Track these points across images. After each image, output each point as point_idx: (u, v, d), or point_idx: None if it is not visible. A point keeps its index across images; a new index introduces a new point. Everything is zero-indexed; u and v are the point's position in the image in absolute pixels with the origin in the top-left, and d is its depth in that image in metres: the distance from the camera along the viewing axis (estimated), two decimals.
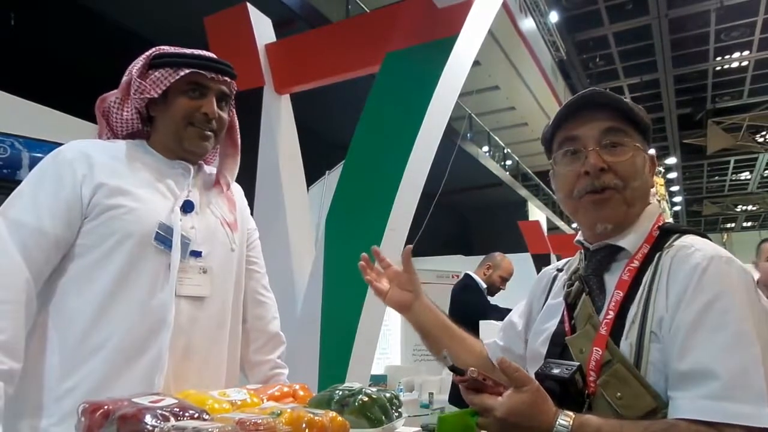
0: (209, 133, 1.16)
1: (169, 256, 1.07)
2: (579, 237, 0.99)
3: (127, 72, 1.16)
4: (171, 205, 1.11)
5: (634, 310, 0.83)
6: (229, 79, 1.19)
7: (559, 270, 1.07)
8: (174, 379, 1.05)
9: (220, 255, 1.17)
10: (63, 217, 1.03)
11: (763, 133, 16.15)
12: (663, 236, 0.89)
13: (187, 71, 1.12)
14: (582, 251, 0.99)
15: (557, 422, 0.76)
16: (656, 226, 0.91)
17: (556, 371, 0.86)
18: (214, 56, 1.18)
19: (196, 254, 1.12)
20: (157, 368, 1.02)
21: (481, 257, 3.83)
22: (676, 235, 0.88)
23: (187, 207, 1.13)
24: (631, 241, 0.90)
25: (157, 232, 1.06)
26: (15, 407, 0.96)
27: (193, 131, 1.15)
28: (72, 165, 1.06)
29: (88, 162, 1.07)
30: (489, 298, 3.61)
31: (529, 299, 1.13)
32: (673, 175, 19.72)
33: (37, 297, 1.01)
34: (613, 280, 0.89)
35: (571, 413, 0.77)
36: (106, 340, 1.01)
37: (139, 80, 1.12)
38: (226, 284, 1.19)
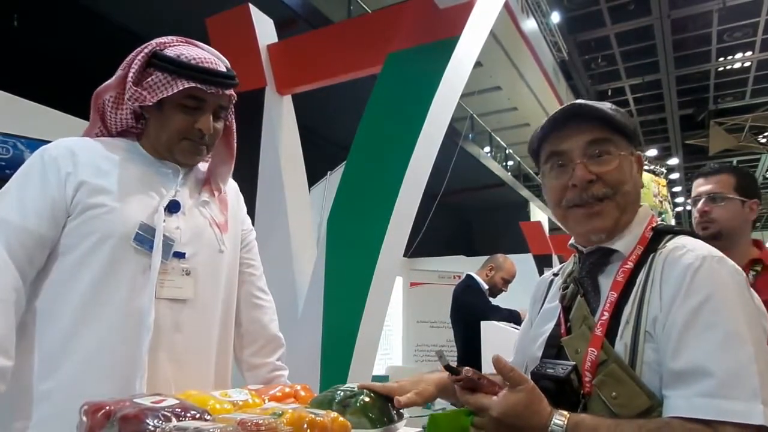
0: (202, 147, 1.15)
1: (150, 257, 1.05)
2: (572, 241, 1.00)
3: (123, 65, 1.13)
4: (156, 205, 1.09)
5: (629, 310, 0.84)
6: (229, 91, 1.15)
7: (555, 275, 1.08)
8: (159, 382, 1.03)
9: (207, 256, 1.14)
10: (48, 215, 1.02)
11: (766, 133, 16.10)
12: (656, 237, 0.90)
13: (186, 86, 1.08)
14: (576, 254, 1.00)
15: (552, 422, 0.76)
16: (649, 227, 0.92)
17: (551, 371, 0.86)
18: (217, 67, 1.12)
19: (180, 255, 1.09)
20: (137, 372, 1.00)
21: (483, 258, 3.83)
22: (669, 236, 0.89)
23: (173, 207, 1.11)
24: (625, 243, 0.91)
25: (138, 232, 1.05)
26: (4, 408, 0.96)
27: (186, 145, 1.13)
28: (57, 162, 1.05)
29: (73, 160, 1.06)
30: (490, 299, 3.61)
31: (529, 309, 1.14)
32: (675, 175, 19.67)
33: (24, 295, 1.00)
34: (608, 281, 0.90)
35: (566, 413, 0.78)
36: (86, 342, 1.00)
37: (134, 87, 1.09)
38: (214, 286, 1.16)
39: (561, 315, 0.95)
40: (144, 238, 1.05)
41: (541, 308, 1.06)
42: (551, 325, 0.97)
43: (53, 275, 1.03)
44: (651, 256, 0.87)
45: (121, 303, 1.03)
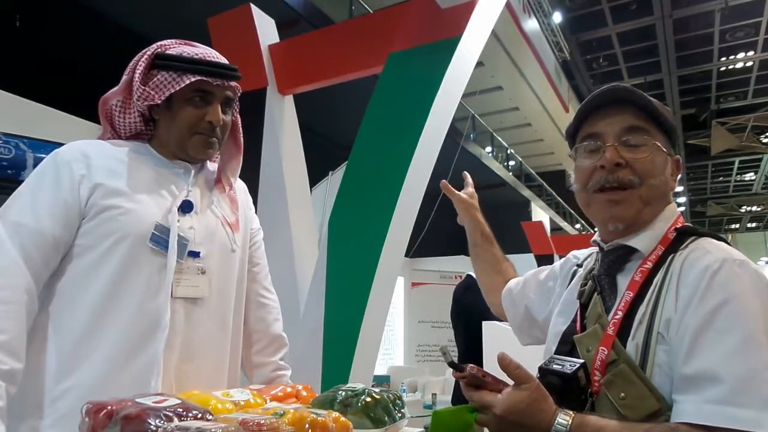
0: (214, 140, 1.16)
1: (166, 257, 1.06)
2: (595, 237, 0.99)
3: (128, 70, 1.14)
4: (169, 205, 1.10)
5: (643, 310, 0.83)
6: (234, 83, 1.18)
7: (579, 265, 1.07)
8: (174, 380, 1.05)
9: (220, 255, 1.16)
10: (62, 217, 1.02)
11: None
12: (679, 238, 0.88)
13: (193, 79, 1.10)
14: (597, 251, 0.99)
15: (556, 420, 0.76)
16: (673, 227, 0.90)
17: (558, 367, 0.86)
18: (220, 60, 1.15)
19: (194, 255, 1.10)
20: (153, 370, 1.01)
21: None
22: (692, 238, 0.87)
23: (186, 207, 1.12)
24: (645, 242, 0.89)
25: (153, 233, 1.06)
26: (14, 408, 0.96)
27: (198, 139, 1.14)
28: (70, 165, 1.05)
29: (86, 162, 1.06)
30: None
31: (552, 275, 1.14)
32: None
33: (38, 298, 1.01)
34: (626, 280, 0.88)
35: (571, 412, 0.77)
36: (103, 341, 1.01)
37: (142, 87, 1.10)
38: (227, 285, 1.17)
39: (578, 312, 0.94)
40: (159, 238, 1.06)
41: (562, 291, 1.05)
42: (568, 322, 0.96)
43: (68, 277, 1.04)
44: (671, 256, 0.85)
45: (138, 302, 1.04)
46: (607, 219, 0.91)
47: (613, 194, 0.89)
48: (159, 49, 1.13)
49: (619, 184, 0.89)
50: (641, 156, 0.89)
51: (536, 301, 1.16)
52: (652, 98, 0.92)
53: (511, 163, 13.97)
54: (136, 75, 1.11)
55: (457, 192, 1.40)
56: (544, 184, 15.39)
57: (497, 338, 3.13)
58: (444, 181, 1.41)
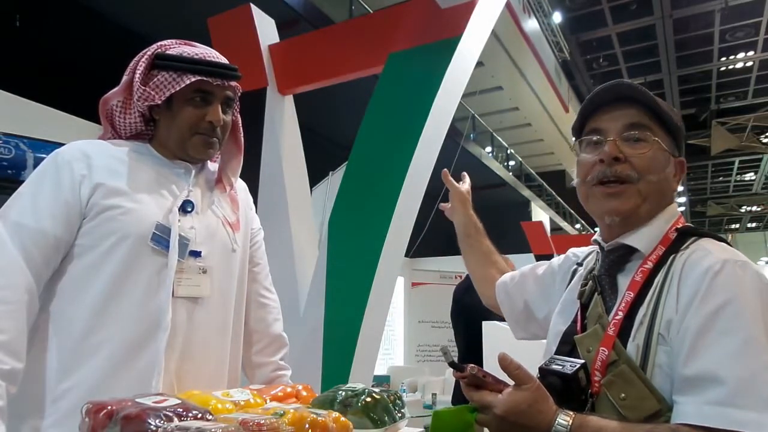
0: (214, 140, 1.16)
1: (167, 256, 1.06)
2: (596, 236, 0.99)
3: (128, 70, 1.14)
4: (170, 205, 1.10)
5: (643, 311, 0.83)
6: (234, 83, 1.18)
7: (579, 264, 1.07)
8: (175, 380, 1.05)
9: (221, 255, 1.16)
10: (62, 217, 1.02)
11: None
12: (680, 238, 0.88)
13: (193, 79, 1.10)
14: (598, 251, 0.99)
15: (557, 421, 0.76)
16: (674, 227, 0.90)
17: (559, 367, 0.86)
18: (220, 60, 1.15)
19: (196, 254, 1.11)
20: (154, 370, 1.01)
21: None
22: (693, 238, 0.87)
23: (187, 207, 1.12)
24: (645, 241, 0.89)
25: (154, 232, 1.06)
26: (14, 408, 0.96)
27: (198, 139, 1.14)
28: (71, 165, 1.05)
29: (87, 162, 1.06)
30: None
31: (550, 272, 1.14)
32: None
33: (39, 298, 1.01)
34: (626, 280, 0.88)
35: (571, 413, 0.77)
36: (104, 341, 1.01)
37: (142, 87, 1.11)
38: (228, 285, 1.18)
39: (579, 312, 0.94)
40: (160, 238, 1.06)
41: (562, 290, 1.05)
42: (569, 322, 0.96)
43: (69, 277, 1.04)
44: (671, 257, 0.85)
45: (139, 302, 1.04)
46: (605, 211, 0.91)
47: (610, 187, 0.89)
48: (159, 50, 1.13)
49: (617, 179, 0.89)
50: (641, 152, 0.89)
51: (536, 297, 1.16)
52: (657, 98, 0.92)
53: (511, 163, 13.97)
54: (137, 75, 1.11)
55: (456, 184, 1.42)
56: (544, 184, 15.39)
57: (497, 338, 3.13)
58: (445, 170, 1.43)
